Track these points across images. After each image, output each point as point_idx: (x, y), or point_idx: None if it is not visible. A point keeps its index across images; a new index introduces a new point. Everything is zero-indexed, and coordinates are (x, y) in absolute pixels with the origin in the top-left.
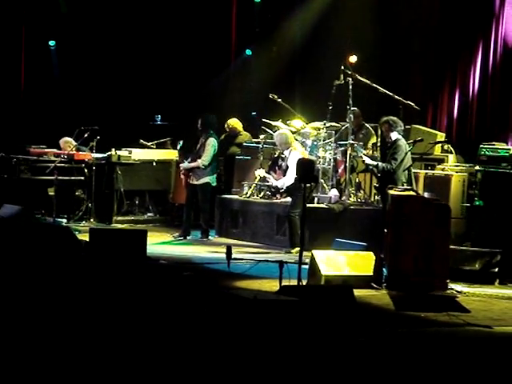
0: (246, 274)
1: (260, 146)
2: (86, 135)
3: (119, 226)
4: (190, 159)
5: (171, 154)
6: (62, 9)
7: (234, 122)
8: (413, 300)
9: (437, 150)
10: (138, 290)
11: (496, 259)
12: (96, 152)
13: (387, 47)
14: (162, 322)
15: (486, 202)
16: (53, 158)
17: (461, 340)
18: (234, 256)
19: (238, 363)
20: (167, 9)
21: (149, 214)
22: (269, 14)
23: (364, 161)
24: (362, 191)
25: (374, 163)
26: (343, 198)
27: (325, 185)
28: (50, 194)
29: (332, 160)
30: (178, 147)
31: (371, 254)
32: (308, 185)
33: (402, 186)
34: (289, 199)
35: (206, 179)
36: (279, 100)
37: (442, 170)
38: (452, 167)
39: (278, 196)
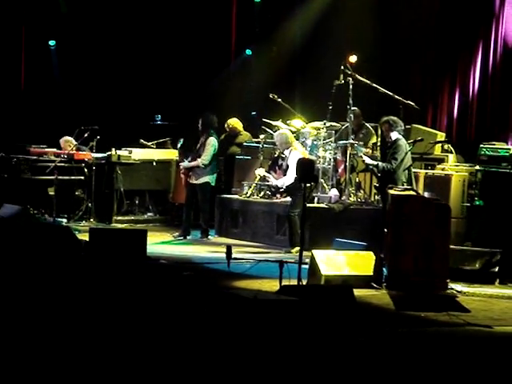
0: (246, 273)
1: (260, 145)
2: (86, 135)
3: (119, 225)
4: (190, 158)
5: (171, 154)
6: (62, 9)
7: (235, 122)
8: (413, 300)
9: (437, 150)
10: (137, 289)
11: (496, 259)
12: (96, 152)
13: (387, 47)
14: (162, 322)
15: (486, 201)
16: (53, 158)
17: (461, 340)
18: (234, 256)
19: (239, 363)
20: (167, 9)
21: (149, 214)
22: (269, 14)
23: (364, 160)
24: (362, 191)
25: (374, 163)
26: (343, 197)
27: (325, 184)
28: (50, 193)
29: (332, 160)
30: (179, 146)
31: (371, 253)
32: (308, 184)
33: (402, 185)
34: (289, 199)
35: (206, 179)
36: (279, 100)
37: (442, 169)
38: (452, 167)
39: (278, 196)
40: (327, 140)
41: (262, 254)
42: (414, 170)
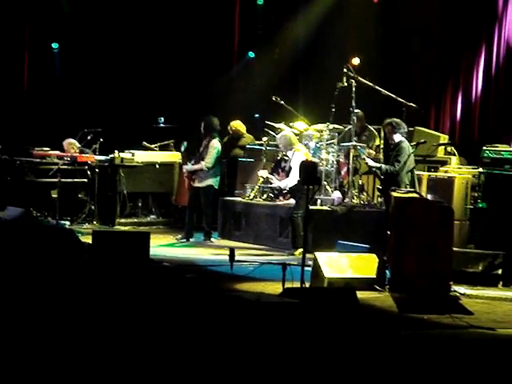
0: (248, 276)
1: (263, 148)
2: (89, 137)
3: (122, 228)
4: (193, 162)
5: (174, 157)
6: (65, 9)
7: (238, 125)
8: (416, 302)
9: (440, 152)
10: (140, 292)
11: (499, 261)
12: (99, 154)
13: (390, 49)
14: (166, 324)
15: (489, 204)
16: (56, 161)
17: (464, 342)
18: (236, 258)
19: (242, 365)
20: (170, 11)
21: (152, 216)
22: (271, 16)
23: (367, 163)
24: (364, 193)
25: (378, 165)
26: (346, 200)
27: (328, 187)
28: (53, 196)
29: (335, 162)
30: (182, 149)
31: (374, 256)
32: (311, 187)
33: (405, 188)
34: (291, 201)
35: (209, 182)
36: (282, 102)
37: (445, 172)
38: (455, 169)
39: (280, 198)
40: (330, 142)
41: (265, 257)
42: (416, 172)
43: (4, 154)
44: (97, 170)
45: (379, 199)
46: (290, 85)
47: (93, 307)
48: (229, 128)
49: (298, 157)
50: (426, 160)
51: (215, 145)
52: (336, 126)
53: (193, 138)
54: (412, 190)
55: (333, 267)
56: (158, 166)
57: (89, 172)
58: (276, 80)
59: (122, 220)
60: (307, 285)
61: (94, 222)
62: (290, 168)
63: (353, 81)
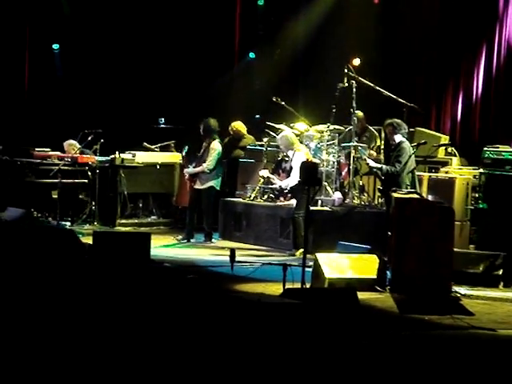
0: (249, 276)
1: (264, 148)
2: (89, 138)
3: (123, 228)
4: (194, 164)
5: (175, 157)
6: (65, 9)
7: (238, 125)
8: (416, 303)
9: (440, 153)
10: (141, 292)
11: (500, 262)
12: (100, 155)
13: (390, 50)
14: (166, 325)
15: (490, 204)
16: (57, 161)
17: (465, 343)
18: (237, 259)
19: (242, 366)
20: (171, 12)
21: (152, 217)
22: (272, 16)
23: (368, 163)
24: (365, 194)
25: (378, 166)
26: (347, 200)
27: (328, 188)
28: (54, 197)
29: (336, 163)
30: (183, 153)
31: (375, 256)
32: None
33: (406, 188)
34: (292, 202)
35: (211, 183)
36: (283, 103)
37: (446, 172)
38: (456, 170)
39: (281, 198)
40: (331, 143)
41: (266, 257)
42: (417, 173)
43: (5, 155)
44: (97, 171)
45: (380, 200)
46: (290, 85)
47: (93, 308)
48: (230, 129)
49: (298, 157)
50: (426, 161)
51: (216, 146)
52: (337, 126)
53: (194, 138)
54: (413, 190)
55: (333, 268)
56: (158, 167)
57: (89, 173)
58: (276, 80)
59: (123, 221)
60: (308, 285)
61: (95, 223)
62: (291, 168)
63: (353, 81)
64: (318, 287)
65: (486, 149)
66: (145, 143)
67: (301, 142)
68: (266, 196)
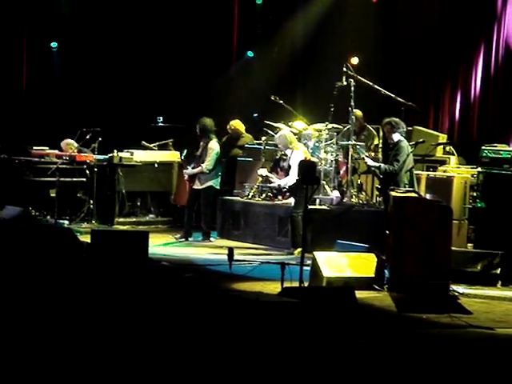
0: (247, 275)
1: (262, 147)
2: (87, 137)
3: (121, 227)
4: (193, 165)
5: (173, 156)
6: (64, 9)
7: (237, 124)
8: (415, 302)
9: (439, 152)
10: (139, 291)
11: (498, 261)
12: (98, 153)
13: (389, 49)
14: (164, 324)
15: (488, 203)
16: (55, 160)
17: (463, 342)
18: (235, 258)
19: (240, 364)
20: (169, 10)
21: (150, 216)
22: (270, 15)
23: (366, 162)
24: (363, 193)
25: (377, 165)
26: (345, 199)
27: (326, 186)
28: (52, 195)
29: (334, 161)
30: (183, 156)
31: (373, 255)
32: (310, 186)
33: (404, 187)
34: (290, 201)
35: (210, 183)
36: (281, 101)
37: (444, 171)
38: (454, 169)
39: (279, 197)
40: (329, 142)
41: (264, 256)
42: (415, 171)
43: (3, 153)
44: (95, 170)
45: (378, 199)
46: (288, 84)
47: (92, 306)
48: (228, 127)
49: (297, 155)
50: (424, 159)
51: (214, 146)
52: (335, 125)
53: (192, 137)
54: (411, 189)
55: (332, 267)
56: (156, 166)
57: (87, 171)
58: (275, 79)
59: (121, 219)
60: (306, 284)
61: (93, 222)
62: (289, 167)
63: (352, 80)
64: (316, 286)
65: (484, 148)
66: (143, 142)
67: (299, 141)
68: (264, 195)
